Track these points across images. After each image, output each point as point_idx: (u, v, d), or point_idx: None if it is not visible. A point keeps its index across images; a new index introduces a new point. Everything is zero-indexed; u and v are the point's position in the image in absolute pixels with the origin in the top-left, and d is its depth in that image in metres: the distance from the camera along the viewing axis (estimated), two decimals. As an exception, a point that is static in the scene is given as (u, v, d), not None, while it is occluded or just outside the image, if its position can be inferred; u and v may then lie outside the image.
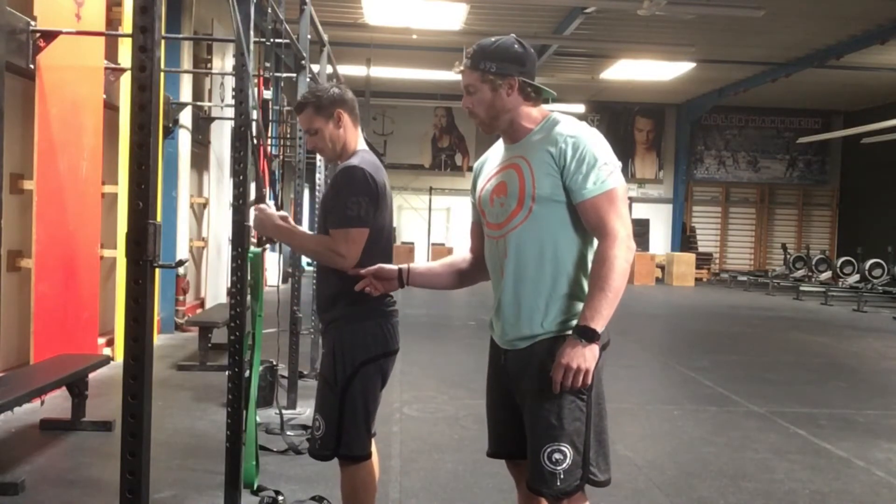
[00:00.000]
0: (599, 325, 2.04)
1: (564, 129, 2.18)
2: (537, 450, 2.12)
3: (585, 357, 2.03)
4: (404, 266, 2.51)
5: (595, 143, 2.14)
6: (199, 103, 8.86)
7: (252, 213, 2.83)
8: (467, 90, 2.24)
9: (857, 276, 16.21)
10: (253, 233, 3.06)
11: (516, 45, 2.22)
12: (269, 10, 4.37)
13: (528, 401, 2.17)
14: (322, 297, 2.80)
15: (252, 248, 3.12)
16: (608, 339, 2.21)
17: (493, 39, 2.23)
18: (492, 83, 2.19)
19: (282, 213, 2.77)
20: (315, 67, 6.71)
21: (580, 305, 2.12)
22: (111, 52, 6.30)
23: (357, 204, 2.57)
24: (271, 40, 4.50)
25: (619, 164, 2.19)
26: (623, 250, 2.07)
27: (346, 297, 2.65)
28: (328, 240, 2.62)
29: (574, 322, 2.11)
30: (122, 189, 6.37)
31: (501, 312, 2.25)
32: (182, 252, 8.40)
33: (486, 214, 2.31)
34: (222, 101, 9.46)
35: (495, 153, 2.35)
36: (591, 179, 2.09)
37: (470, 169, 20.34)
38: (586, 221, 2.14)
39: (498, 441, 2.38)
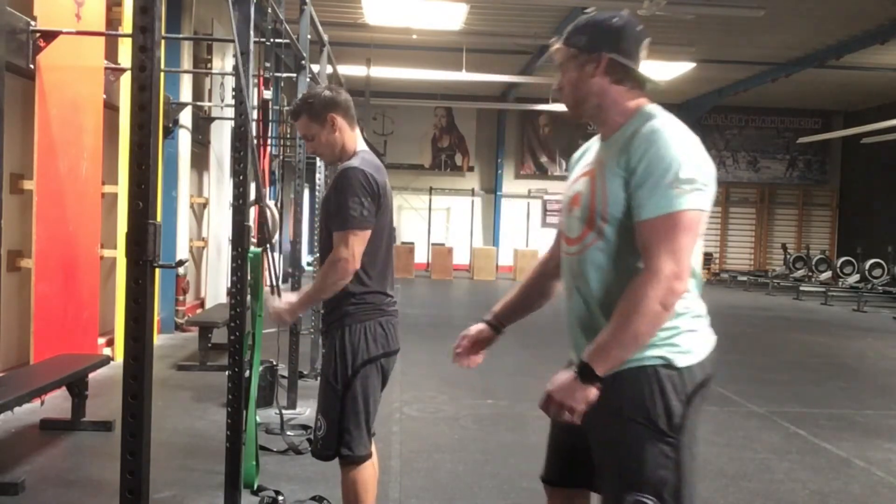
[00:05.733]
0: (602, 367, 1.71)
1: (645, 130, 1.78)
2: (617, 496, 1.80)
3: (574, 396, 1.72)
4: (489, 317, 2.22)
5: (676, 152, 1.73)
6: (199, 103, 8.86)
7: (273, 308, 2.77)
8: (559, 69, 1.93)
9: (857, 276, 16.20)
10: (253, 232, 3.07)
11: (615, 19, 1.88)
12: (269, 10, 4.37)
13: (598, 436, 1.86)
14: (325, 299, 2.80)
15: (252, 248, 3.12)
16: (708, 374, 1.82)
17: (597, 12, 1.93)
18: (577, 60, 1.88)
19: (282, 300, 2.75)
20: (315, 67, 6.71)
21: (657, 336, 1.76)
22: (111, 52, 6.30)
23: (359, 204, 2.58)
24: (271, 40, 4.50)
25: (708, 182, 1.75)
26: (660, 290, 1.68)
27: (346, 298, 2.65)
28: (327, 264, 2.62)
29: (650, 353, 1.77)
30: (122, 189, 6.37)
31: (573, 336, 1.97)
32: (182, 252, 8.39)
33: (564, 224, 1.98)
34: (222, 101, 9.46)
35: (593, 147, 2.02)
36: (657, 197, 1.71)
37: (470, 169, 20.39)
38: (638, 246, 1.75)
39: (556, 465, 2.07)
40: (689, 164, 1.72)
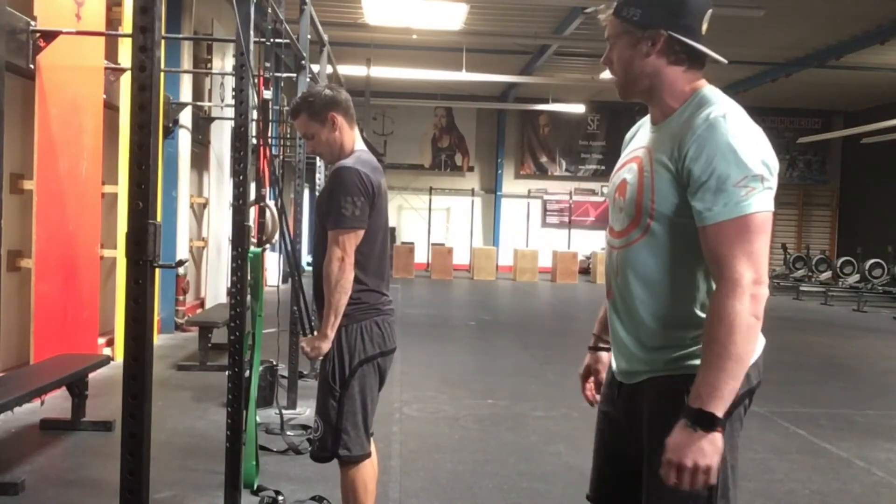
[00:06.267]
0: (721, 407, 1.52)
1: (700, 120, 1.59)
2: None
3: (703, 451, 1.52)
4: (591, 342, 2.05)
5: (738, 146, 1.55)
6: (199, 103, 8.86)
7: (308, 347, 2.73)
8: (608, 41, 1.75)
9: (857, 276, 16.20)
10: (253, 232, 3.07)
11: None
12: (269, 10, 4.37)
13: (643, 451, 1.74)
14: (319, 298, 2.81)
15: (252, 248, 3.13)
16: (752, 386, 1.67)
17: None
18: (631, 35, 1.68)
19: (309, 339, 2.73)
20: (315, 67, 6.71)
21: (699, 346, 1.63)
22: (111, 52, 6.30)
23: (351, 204, 2.58)
24: (271, 40, 4.50)
25: (773, 175, 1.58)
26: (746, 301, 1.52)
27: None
28: (327, 265, 2.61)
29: (693, 361, 1.64)
30: (122, 189, 6.37)
31: (612, 338, 1.84)
32: (182, 252, 8.40)
33: (610, 213, 1.83)
34: (222, 101, 9.46)
35: (645, 127, 1.84)
36: (721, 199, 1.54)
37: (470, 169, 20.39)
38: (705, 252, 1.59)
39: (598, 481, 1.92)
40: (754, 159, 1.55)
